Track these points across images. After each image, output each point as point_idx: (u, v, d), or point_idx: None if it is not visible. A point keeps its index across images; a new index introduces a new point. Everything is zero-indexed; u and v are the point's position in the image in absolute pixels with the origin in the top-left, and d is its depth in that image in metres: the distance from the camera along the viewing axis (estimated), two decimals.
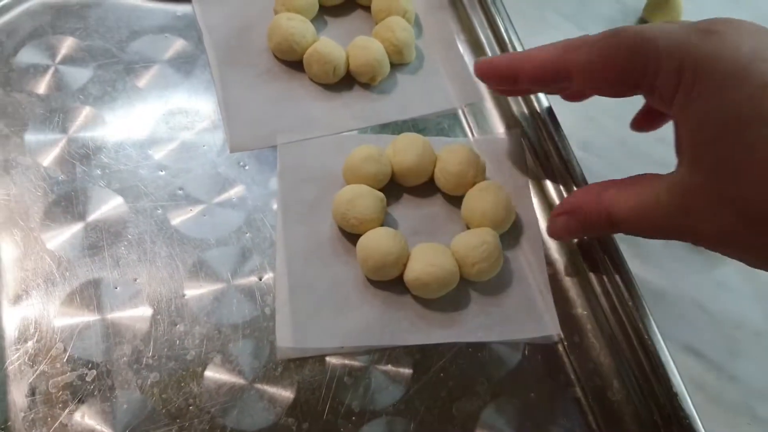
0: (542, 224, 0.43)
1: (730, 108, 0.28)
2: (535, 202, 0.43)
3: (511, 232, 0.42)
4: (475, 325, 0.39)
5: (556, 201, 0.43)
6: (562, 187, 0.43)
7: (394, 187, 0.42)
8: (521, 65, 0.37)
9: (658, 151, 0.47)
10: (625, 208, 0.33)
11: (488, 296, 0.40)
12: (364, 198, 0.39)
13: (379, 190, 0.41)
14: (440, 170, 0.42)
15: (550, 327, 0.39)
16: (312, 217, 0.41)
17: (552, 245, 0.42)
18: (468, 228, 0.41)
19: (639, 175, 0.34)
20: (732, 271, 0.44)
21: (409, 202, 0.43)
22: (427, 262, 0.38)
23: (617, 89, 0.33)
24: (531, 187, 0.44)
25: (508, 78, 0.38)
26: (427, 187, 0.43)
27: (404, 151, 0.41)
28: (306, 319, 0.38)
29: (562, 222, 0.37)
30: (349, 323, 0.38)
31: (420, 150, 0.41)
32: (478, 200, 0.40)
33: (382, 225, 0.40)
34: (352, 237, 0.40)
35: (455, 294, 0.39)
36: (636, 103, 0.48)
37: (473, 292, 0.40)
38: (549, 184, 0.44)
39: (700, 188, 0.30)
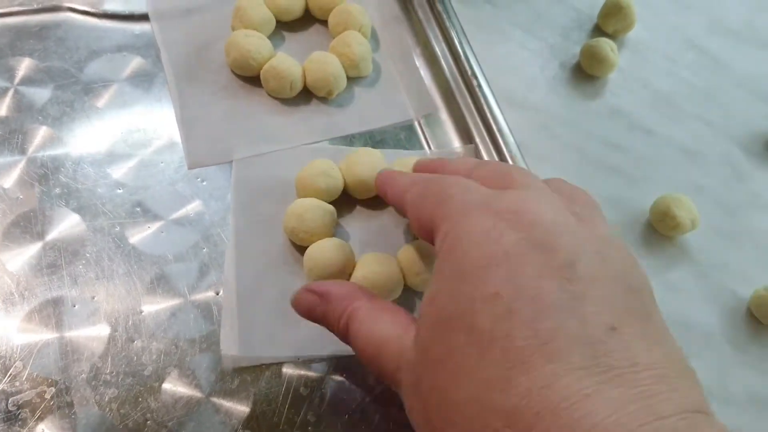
0: None
1: (449, 300, 0.26)
2: None
3: None
4: None
5: None
6: None
7: (347, 200, 0.43)
8: (387, 188, 0.37)
9: (613, 158, 0.48)
10: (362, 335, 0.30)
11: None
12: (314, 211, 0.40)
13: (332, 202, 0.42)
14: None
15: None
16: (264, 231, 0.42)
17: None
18: (416, 239, 0.42)
19: (396, 308, 0.31)
20: (683, 274, 0.45)
21: (361, 214, 0.44)
22: (370, 269, 0.39)
23: (424, 237, 0.31)
24: None
25: (381, 194, 0.39)
26: (379, 200, 0.43)
27: (357, 164, 0.42)
28: (252, 327, 0.38)
29: (308, 300, 0.33)
30: (294, 332, 0.39)
31: (372, 164, 0.42)
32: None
33: (332, 237, 0.41)
34: (303, 249, 0.41)
35: (400, 303, 0.40)
36: (590, 107, 0.49)
37: (418, 301, 0.41)
38: None
39: (411, 366, 0.27)
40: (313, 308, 0.33)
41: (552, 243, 0.25)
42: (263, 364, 0.38)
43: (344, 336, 0.32)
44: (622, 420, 0.21)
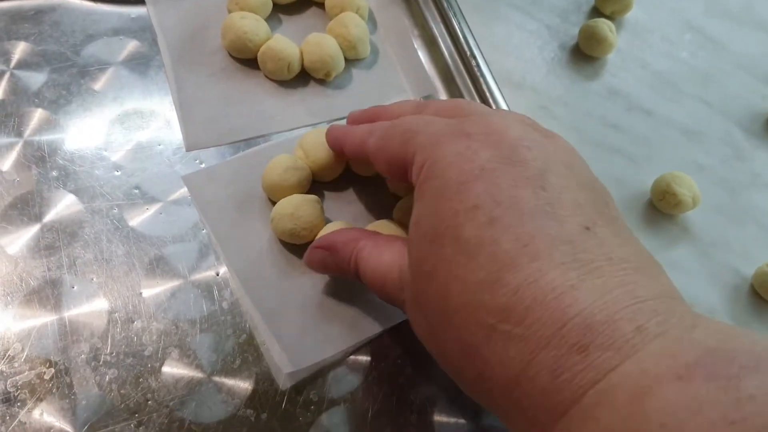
0: None
1: (433, 218, 0.27)
2: None
3: None
4: None
5: None
6: None
7: (314, 186, 0.43)
8: (343, 141, 0.38)
9: (613, 139, 0.48)
10: (369, 269, 0.33)
11: None
12: (304, 207, 0.39)
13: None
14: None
15: None
16: (250, 243, 0.41)
17: None
18: (400, 197, 0.42)
19: (394, 239, 0.33)
20: (685, 252, 0.44)
21: (334, 195, 0.43)
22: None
23: (396, 176, 0.32)
24: None
25: (336, 150, 0.39)
26: (343, 177, 0.43)
27: (314, 149, 0.41)
28: (292, 341, 0.38)
29: (318, 255, 0.36)
30: (329, 329, 0.38)
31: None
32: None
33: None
34: (296, 247, 0.40)
35: None
36: (589, 88, 0.49)
37: None
38: None
39: (409, 283, 0.29)
40: (324, 262, 0.36)
41: (523, 156, 0.27)
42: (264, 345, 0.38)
43: (355, 275, 0.34)
44: (607, 304, 0.23)
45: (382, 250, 0.33)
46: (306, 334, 0.38)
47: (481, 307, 0.25)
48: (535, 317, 0.23)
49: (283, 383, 0.37)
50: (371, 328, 0.39)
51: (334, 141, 0.39)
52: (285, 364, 0.37)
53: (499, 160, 0.27)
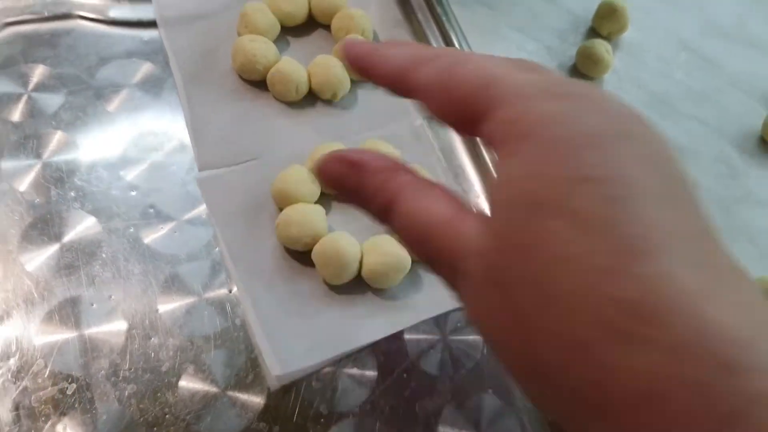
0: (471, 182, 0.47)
1: (534, 182, 0.23)
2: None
3: None
4: (432, 302, 0.42)
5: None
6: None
7: (321, 197, 0.45)
8: (372, 62, 0.30)
9: None
10: (411, 214, 0.26)
11: None
12: (310, 216, 0.42)
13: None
14: None
15: None
16: (255, 247, 0.43)
17: None
18: None
19: (445, 187, 0.26)
20: None
21: (340, 207, 0.45)
22: (379, 253, 0.41)
23: (454, 122, 0.27)
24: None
25: (362, 74, 0.31)
26: None
27: None
28: (285, 344, 0.39)
29: (337, 168, 0.28)
30: (322, 335, 0.40)
31: None
32: None
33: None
34: (297, 254, 0.42)
35: (408, 278, 0.42)
36: None
37: (422, 271, 0.43)
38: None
39: (485, 254, 0.23)
40: (342, 179, 0.28)
41: (636, 131, 0.23)
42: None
43: (383, 215, 0.27)
44: (750, 321, 0.20)
45: (431, 195, 0.26)
46: (299, 340, 0.40)
47: (599, 296, 0.20)
48: (669, 321, 0.20)
49: (272, 385, 0.39)
50: (364, 337, 0.40)
51: (356, 59, 0.30)
52: (274, 366, 0.39)
53: (613, 130, 0.23)
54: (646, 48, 0.56)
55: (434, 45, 0.52)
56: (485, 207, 0.46)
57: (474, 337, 0.41)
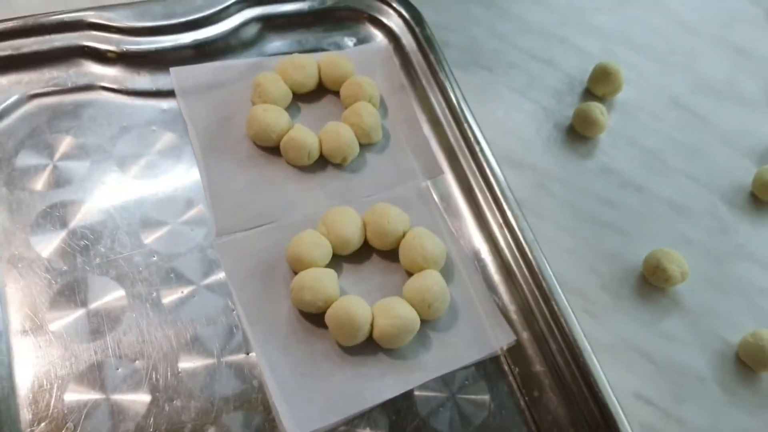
0: (474, 243, 0.49)
1: None
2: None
3: (446, 265, 0.48)
4: (440, 361, 0.44)
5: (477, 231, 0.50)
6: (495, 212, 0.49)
7: (333, 259, 0.47)
8: None
9: (606, 215, 0.52)
10: None
11: (445, 330, 0.45)
12: (323, 280, 0.44)
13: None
14: (373, 233, 0.47)
15: (501, 338, 0.45)
16: (271, 310, 0.45)
17: (512, 307, 0.47)
18: (410, 274, 0.46)
19: None
20: (676, 323, 0.48)
21: (351, 268, 0.48)
22: (390, 315, 0.43)
23: None
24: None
25: None
26: (361, 252, 0.48)
27: (335, 225, 0.46)
28: (301, 405, 0.41)
29: None
30: (336, 396, 0.42)
31: (351, 220, 0.46)
32: (415, 247, 0.46)
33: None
34: (310, 316, 0.45)
35: (417, 338, 0.44)
36: (583, 166, 0.53)
37: (431, 331, 0.45)
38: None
39: None
40: None
41: None
42: None
43: None
44: None
45: None
46: (314, 400, 0.42)
47: None
48: None
49: None
50: (376, 397, 0.42)
51: None
52: (291, 427, 0.41)
53: None
54: (639, 106, 0.59)
55: (437, 108, 0.54)
56: (487, 264, 0.48)
57: (481, 396, 0.43)
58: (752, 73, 0.63)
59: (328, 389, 0.42)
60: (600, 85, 0.57)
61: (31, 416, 0.40)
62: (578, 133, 0.56)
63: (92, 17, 0.53)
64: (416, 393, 0.43)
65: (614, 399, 0.41)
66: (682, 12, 0.67)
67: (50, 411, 0.40)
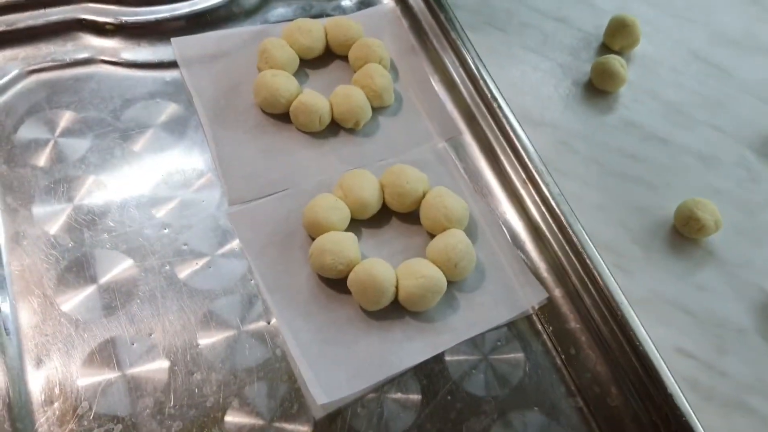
0: (498, 202, 0.48)
1: None
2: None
3: (469, 224, 0.46)
4: (469, 322, 0.42)
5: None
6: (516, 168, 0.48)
7: (352, 223, 0.45)
8: None
9: (632, 168, 0.50)
10: None
11: (472, 291, 0.43)
12: (343, 243, 0.42)
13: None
14: (391, 195, 0.45)
15: (532, 296, 0.43)
16: (290, 277, 0.43)
17: (541, 266, 0.45)
18: (432, 236, 0.44)
19: None
20: (712, 274, 0.46)
21: (370, 233, 0.46)
22: (415, 276, 0.41)
23: None
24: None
25: None
26: (379, 216, 0.46)
27: (353, 189, 0.44)
28: (327, 372, 0.39)
29: None
30: (363, 362, 0.40)
31: (368, 183, 0.44)
32: (437, 207, 0.44)
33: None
34: (331, 282, 0.43)
35: (444, 299, 0.42)
36: (605, 121, 0.51)
37: (457, 292, 0.43)
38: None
39: None
40: None
41: None
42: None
43: None
44: None
45: None
46: (341, 367, 0.40)
47: None
48: None
49: (318, 414, 0.39)
50: (405, 361, 0.40)
51: None
52: (319, 394, 0.39)
53: None
54: (658, 60, 0.57)
55: (451, 69, 0.52)
56: (512, 224, 0.46)
57: (515, 355, 0.41)
58: None
59: (354, 355, 0.40)
60: (617, 38, 0.55)
61: (43, 396, 0.38)
62: (597, 89, 0.54)
63: None
64: (447, 357, 0.41)
65: (656, 352, 0.39)
66: None
67: (64, 390, 0.38)
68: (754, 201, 0.50)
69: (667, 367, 0.39)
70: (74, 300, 0.41)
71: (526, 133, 0.48)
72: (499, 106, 0.49)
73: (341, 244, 0.42)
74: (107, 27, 0.51)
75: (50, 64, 0.50)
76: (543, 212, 0.45)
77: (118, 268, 0.42)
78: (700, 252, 0.47)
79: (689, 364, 0.42)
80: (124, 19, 0.51)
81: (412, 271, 0.41)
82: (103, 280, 0.42)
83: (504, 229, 0.46)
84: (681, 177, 0.50)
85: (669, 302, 0.44)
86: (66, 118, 0.48)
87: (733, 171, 0.51)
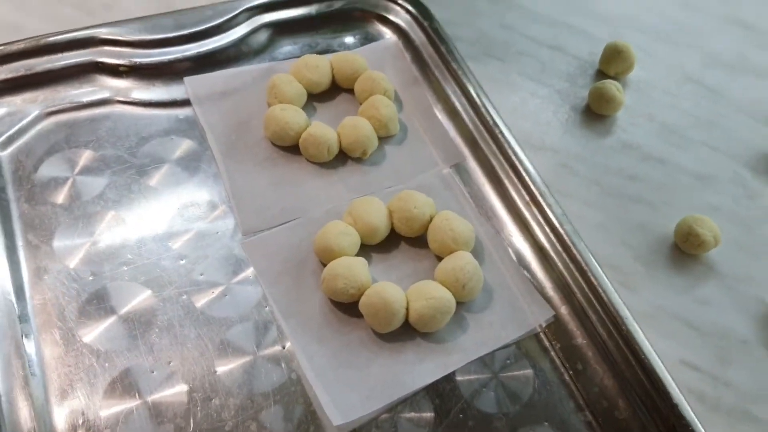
0: (503, 224, 0.49)
1: None
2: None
3: (476, 246, 0.47)
4: (478, 342, 0.43)
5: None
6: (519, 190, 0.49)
7: (361, 249, 0.46)
8: None
9: (632, 188, 0.52)
10: None
11: (480, 311, 0.45)
12: (355, 268, 0.43)
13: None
14: (399, 220, 0.46)
15: (539, 315, 0.44)
16: (303, 302, 0.44)
17: (547, 284, 0.46)
18: (439, 259, 0.46)
19: None
20: (713, 288, 0.47)
21: (380, 257, 0.47)
22: (425, 297, 0.42)
23: None
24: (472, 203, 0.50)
25: None
26: (388, 241, 0.47)
27: (363, 214, 0.46)
28: (342, 394, 0.41)
29: None
30: (377, 383, 0.41)
31: (377, 209, 0.46)
32: (444, 230, 0.45)
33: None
34: (343, 306, 0.44)
35: (454, 320, 0.44)
36: (603, 144, 0.53)
37: (466, 313, 0.44)
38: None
39: None
40: None
41: None
42: None
43: None
44: None
45: None
46: (355, 389, 0.41)
47: None
48: None
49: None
50: (417, 381, 0.41)
51: None
52: (334, 416, 0.40)
53: None
54: (653, 84, 0.59)
55: (453, 98, 0.54)
56: (518, 245, 0.48)
57: (524, 372, 0.42)
58: (762, 46, 0.63)
59: (368, 377, 0.41)
60: (612, 64, 0.57)
61: (67, 426, 0.39)
62: (595, 113, 0.56)
63: (103, 34, 0.54)
64: (458, 376, 0.42)
65: (662, 365, 0.40)
66: None
67: (87, 419, 0.39)
68: (751, 216, 0.51)
69: (672, 379, 0.40)
70: (95, 331, 0.42)
71: (527, 157, 0.50)
72: (501, 132, 0.51)
73: (352, 269, 0.43)
74: (121, 69, 0.54)
75: (68, 105, 0.52)
76: (547, 233, 0.47)
77: (137, 298, 0.44)
78: (701, 267, 0.48)
79: (694, 376, 0.43)
80: (138, 60, 0.54)
81: (422, 292, 0.43)
82: (123, 311, 0.43)
83: (510, 250, 0.47)
84: (679, 195, 0.52)
85: (672, 316, 0.46)
86: (84, 156, 0.50)
87: (730, 188, 0.53)
